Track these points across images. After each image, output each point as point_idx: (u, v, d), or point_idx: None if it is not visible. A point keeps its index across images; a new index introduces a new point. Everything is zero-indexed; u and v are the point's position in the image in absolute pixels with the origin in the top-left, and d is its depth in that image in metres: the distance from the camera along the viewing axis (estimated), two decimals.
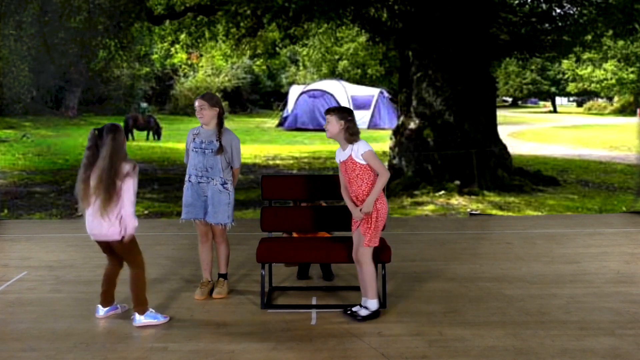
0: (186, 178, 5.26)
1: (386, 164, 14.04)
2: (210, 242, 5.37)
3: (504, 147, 13.28)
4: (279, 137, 22.99)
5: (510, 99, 43.83)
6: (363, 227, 4.61)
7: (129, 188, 4.42)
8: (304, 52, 22.13)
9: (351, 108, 4.90)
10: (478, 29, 12.91)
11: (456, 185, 12.15)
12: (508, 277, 5.86)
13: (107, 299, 4.84)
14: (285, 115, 26.32)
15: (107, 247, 4.68)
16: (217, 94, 31.59)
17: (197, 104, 5.13)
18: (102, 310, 4.82)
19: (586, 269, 6.11)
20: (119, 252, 4.65)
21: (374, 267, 4.70)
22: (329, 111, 4.67)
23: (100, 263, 6.46)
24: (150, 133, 20.24)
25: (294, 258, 5.14)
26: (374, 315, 4.69)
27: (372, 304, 4.70)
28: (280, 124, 26.19)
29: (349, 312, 4.78)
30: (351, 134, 4.59)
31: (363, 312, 4.69)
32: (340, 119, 4.58)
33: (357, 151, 4.56)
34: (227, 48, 15.98)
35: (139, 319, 4.61)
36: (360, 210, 4.57)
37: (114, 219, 4.44)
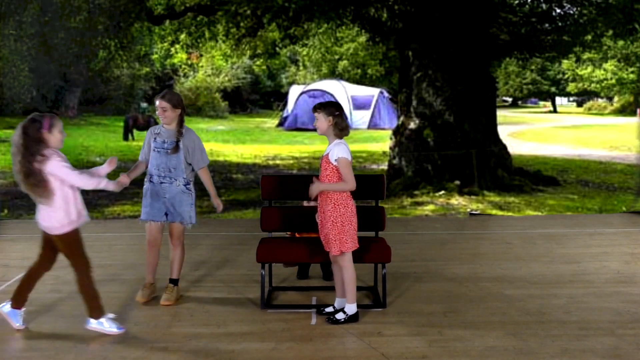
0: (146, 178, 5.14)
1: (386, 164, 14.04)
2: (159, 247, 5.25)
3: (504, 147, 13.28)
4: (279, 137, 22.98)
5: (510, 99, 43.85)
6: (332, 233, 4.55)
7: (58, 168, 4.24)
8: (304, 52, 22.13)
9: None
10: (478, 29, 12.90)
11: (456, 185, 12.15)
12: (508, 277, 5.86)
13: (17, 298, 4.60)
14: (285, 115, 26.33)
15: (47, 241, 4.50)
16: (216, 94, 31.65)
17: (158, 104, 4.99)
18: (5, 307, 4.59)
19: (586, 269, 6.11)
20: (59, 247, 4.45)
21: (354, 271, 4.67)
22: (316, 108, 4.59)
23: (100, 263, 6.46)
24: None
25: (294, 258, 5.14)
26: (352, 319, 4.66)
27: (351, 308, 4.68)
28: (280, 124, 26.19)
29: (324, 312, 4.79)
30: (340, 130, 4.55)
31: (340, 316, 4.66)
32: (328, 115, 4.53)
33: (334, 154, 4.50)
34: (227, 48, 15.98)
35: (92, 323, 4.46)
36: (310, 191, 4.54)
37: (54, 207, 4.29)
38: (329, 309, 4.82)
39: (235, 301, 5.22)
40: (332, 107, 4.58)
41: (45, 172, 4.21)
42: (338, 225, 4.54)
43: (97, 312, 4.44)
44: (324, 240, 4.66)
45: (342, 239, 4.55)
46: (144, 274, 6.00)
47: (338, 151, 4.51)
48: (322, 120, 4.55)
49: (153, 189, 5.09)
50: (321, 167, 4.63)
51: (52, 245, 4.47)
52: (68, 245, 4.38)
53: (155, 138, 5.08)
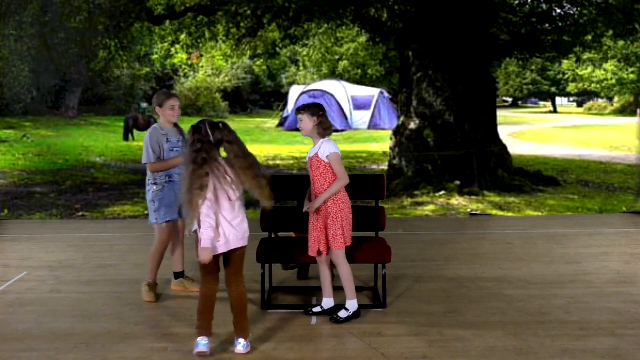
0: (163, 179, 5.13)
1: (386, 164, 14.03)
2: None
3: (504, 147, 13.27)
4: (279, 137, 22.97)
5: (510, 99, 43.86)
6: (332, 229, 4.59)
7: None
8: (304, 52, 22.12)
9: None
10: (478, 29, 12.90)
11: (456, 185, 12.14)
12: (508, 277, 5.86)
13: (208, 326, 4.12)
14: (285, 115, 26.32)
15: (224, 259, 4.11)
16: (216, 94, 31.64)
17: (176, 103, 5.14)
18: (202, 343, 4.06)
19: (586, 269, 6.11)
20: (237, 262, 4.09)
21: (349, 266, 4.70)
22: (299, 110, 4.65)
23: (100, 263, 6.47)
24: None
25: (294, 258, 5.14)
26: (354, 315, 4.69)
27: (352, 304, 4.71)
28: (280, 124, 26.19)
29: (310, 312, 4.81)
30: (324, 129, 4.62)
31: (343, 314, 4.68)
32: (312, 115, 4.59)
33: (324, 151, 4.56)
34: (227, 48, 15.97)
35: (244, 344, 4.10)
36: (309, 207, 4.62)
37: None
38: (317, 309, 4.83)
39: None
40: (315, 108, 4.65)
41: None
42: (338, 220, 4.59)
43: (247, 332, 4.15)
44: (316, 239, 4.66)
45: (344, 234, 4.59)
46: (144, 274, 6.00)
47: (328, 147, 4.57)
48: (307, 121, 4.61)
49: (172, 188, 5.12)
50: (311, 167, 4.65)
51: (217, 264, 4.09)
52: (243, 255, 4.12)
53: (167, 139, 5.15)
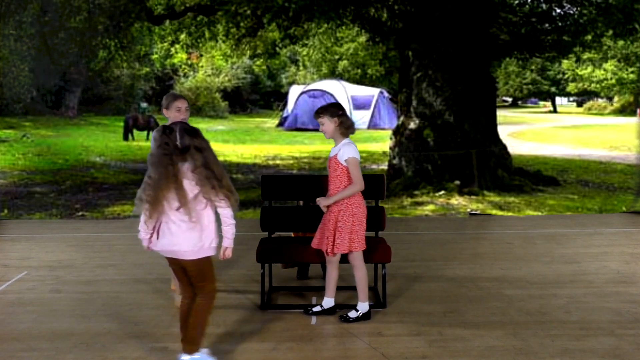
0: None
1: (386, 164, 14.03)
2: None
3: (504, 147, 13.26)
4: (279, 137, 22.98)
5: (510, 99, 43.91)
6: (340, 232, 4.58)
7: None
8: (304, 52, 22.15)
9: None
10: (478, 29, 12.89)
11: (456, 185, 12.14)
12: (508, 277, 5.86)
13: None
14: (285, 115, 26.35)
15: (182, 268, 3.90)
16: (216, 94, 31.51)
17: (183, 105, 5.08)
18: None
19: (586, 269, 6.11)
20: (192, 274, 3.87)
21: (366, 270, 4.71)
22: (319, 113, 4.60)
23: (100, 263, 6.46)
24: (150, 133, 20.21)
25: (294, 258, 5.14)
26: (364, 317, 4.70)
27: (364, 306, 4.72)
28: (280, 124, 26.21)
29: (310, 311, 4.81)
30: (347, 128, 4.58)
31: (353, 314, 4.70)
32: (332, 116, 4.55)
33: (343, 154, 4.53)
34: (227, 48, 15.98)
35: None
36: (320, 201, 4.61)
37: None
38: (317, 309, 4.83)
39: (235, 301, 5.21)
40: (334, 108, 4.61)
41: None
42: (349, 225, 4.57)
43: (195, 346, 3.93)
44: (325, 239, 4.65)
45: (352, 238, 4.59)
46: (144, 274, 6.02)
47: (347, 151, 4.53)
48: (328, 123, 4.56)
49: None
50: (329, 168, 4.64)
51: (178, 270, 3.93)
52: (198, 268, 3.86)
53: None
